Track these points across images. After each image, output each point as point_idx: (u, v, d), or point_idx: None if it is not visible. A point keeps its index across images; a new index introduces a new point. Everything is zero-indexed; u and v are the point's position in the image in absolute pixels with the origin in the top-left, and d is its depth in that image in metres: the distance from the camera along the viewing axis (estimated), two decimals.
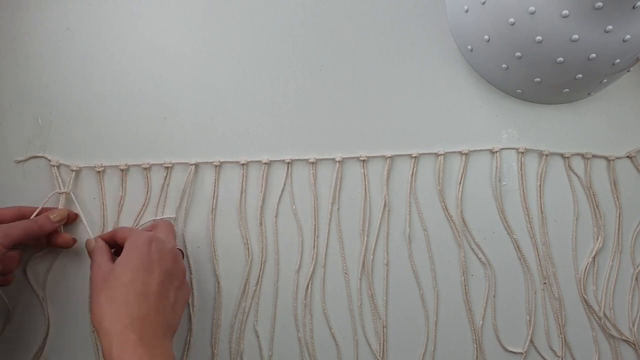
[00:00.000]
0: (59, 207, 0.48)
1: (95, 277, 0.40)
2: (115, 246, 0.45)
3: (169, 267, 0.41)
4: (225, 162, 0.51)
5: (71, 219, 0.48)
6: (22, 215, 0.45)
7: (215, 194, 0.51)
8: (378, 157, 0.52)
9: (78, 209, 0.49)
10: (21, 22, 0.51)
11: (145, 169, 0.50)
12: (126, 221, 0.50)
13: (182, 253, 0.47)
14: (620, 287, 0.53)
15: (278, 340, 0.51)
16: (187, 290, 0.44)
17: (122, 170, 0.50)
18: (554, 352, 0.52)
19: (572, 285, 0.53)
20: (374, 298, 0.51)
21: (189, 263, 0.50)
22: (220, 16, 0.53)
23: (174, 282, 0.42)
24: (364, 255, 0.51)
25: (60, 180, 0.49)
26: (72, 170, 0.49)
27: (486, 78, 0.54)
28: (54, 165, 0.49)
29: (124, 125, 0.51)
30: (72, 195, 0.49)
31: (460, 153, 0.53)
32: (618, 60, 0.46)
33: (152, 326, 0.37)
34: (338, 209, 0.52)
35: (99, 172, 0.50)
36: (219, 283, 0.51)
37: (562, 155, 0.54)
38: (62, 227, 0.48)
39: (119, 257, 0.41)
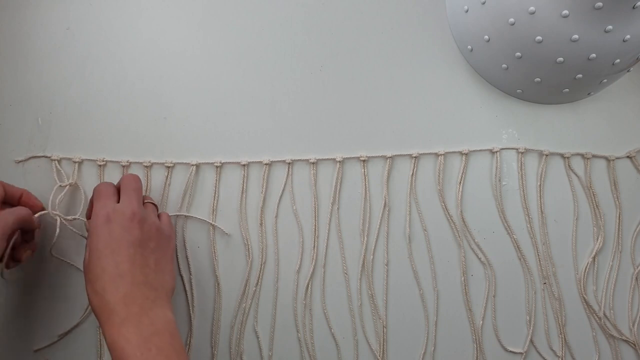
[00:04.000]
0: (61, 200, 0.48)
1: (84, 266, 0.41)
2: None
3: (135, 235, 0.40)
4: (227, 162, 0.51)
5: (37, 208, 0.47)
6: (7, 194, 0.44)
7: (216, 195, 0.51)
8: (378, 157, 0.52)
9: (83, 199, 0.49)
10: (21, 22, 0.51)
11: (146, 167, 0.50)
12: None
13: (155, 206, 0.47)
14: (620, 287, 0.53)
15: (278, 340, 0.51)
16: (167, 242, 0.44)
17: (123, 166, 0.50)
18: (554, 352, 0.52)
19: (572, 285, 0.53)
20: (374, 298, 0.51)
21: (188, 263, 0.50)
22: (220, 16, 0.53)
23: (147, 246, 0.41)
24: (364, 255, 0.51)
25: (63, 172, 0.49)
26: (75, 162, 0.49)
27: (486, 78, 0.54)
28: (54, 160, 0.49)
29: (124, 126, 0.51)
30: (79, 185, 0.49)
31: (460, 153, 0.53)
32: (618, 60, 0.46)
33: (137, 300, 0.38)
34: (338, 209, 0.52)
35: (100, 165, 0.50)
36: (218, 283, 0.51)
37: (562, 155, 0.54)
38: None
39: (86, 244, 0.41)
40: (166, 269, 0.43)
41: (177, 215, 0.50)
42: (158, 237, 0.43)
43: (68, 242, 0.49)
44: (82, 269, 0.43)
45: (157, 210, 0.47)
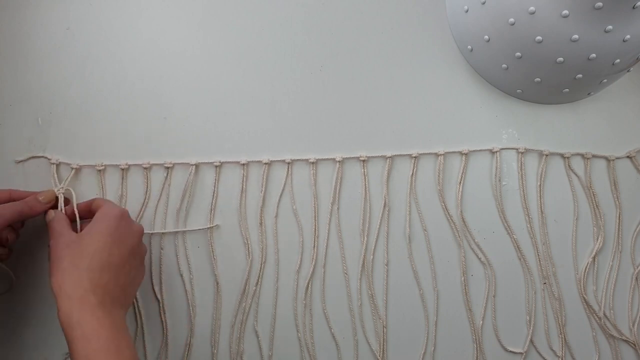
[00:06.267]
0: (59, 205, 0.48)
1: (56, 245, 0.41)
2: (91, 216, 0.45)
3: (134, 243, 0.43)
4: (226, 162, 0.51)
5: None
6: (11, 198, 0.46)
7: (215, 194, 0.51)
8: (378, 157, 0.52)
9: (74, 205, 0.49)
10: (21, 22, 0.51)
11: (145, 168, 0.50)
12: None
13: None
14: (620, 287, 0.53)
15: (278, 340, 0.51)
16: (143, 272, 0.46)
17: (122, 169, 0.50)
18: (554, 352, 0.52)
19: (572, 285, 0.53)
20: (374, 298, 0.51)
21: (188, 263, 0.50)
22: (220, 16, 0.53)
23: (135, 259, 0.44)
24: (364, 255, 0.51)
25: (56, 178, 0.49)
26: (73, 168, 0.49)
27: (486, 78, 0.54)
28: (53, 164, 0.49)
29: (124, 125, 0.51)
30: (72, 191, 0.49)
31: (460, 153, 0.53)
32: (618, 60, 0.46)
33: (111, 295, 0.39)
34: (338, 209, 0.52)
35: (99, 170, 0.50)
36: (218, 283, 0.51)
37: (562, 155, 0.54)
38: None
39: (89, 225, 0.42)
40: (134, 288, 0.44)
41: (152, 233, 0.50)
42: (142, 261, 0.46)
43: None
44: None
45: None
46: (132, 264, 0.43)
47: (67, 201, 0.48)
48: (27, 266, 0.49)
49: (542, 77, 0.49)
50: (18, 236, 0.47)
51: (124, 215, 0.43)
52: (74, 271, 0.39)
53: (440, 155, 0.52)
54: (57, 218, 0.44)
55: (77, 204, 0.46)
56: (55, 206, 0.48)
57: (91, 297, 0.38)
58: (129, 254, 0.42)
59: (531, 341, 0.52)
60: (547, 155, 0.53)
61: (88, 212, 0.45)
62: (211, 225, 0.51)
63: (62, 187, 0.48)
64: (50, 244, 0.42)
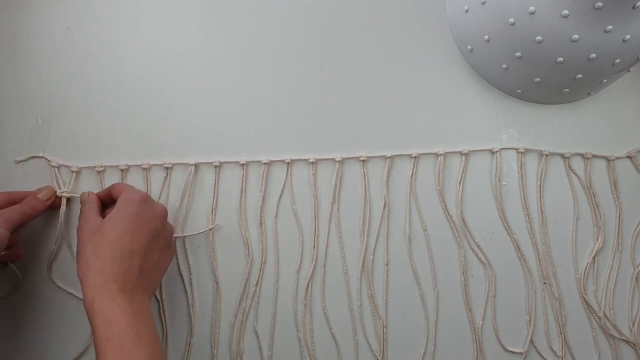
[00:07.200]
0: (61, 208, 0.48)
1: (82, 231, 0.41)
2: (113, 202, 0.45)
3: (157, 226, 0.43)
4: (225, 162, 0.51)
5: (56, 204, 0.48)
6: (12, 200, 0.46)
7: (215, 194, 0.51)
8: (378, 157, 0.52)
9: (72, 210, 0.49)
10: (21, 22, 0.51)
11: (145, 169, 0.50)
12: None
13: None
14: (620, 287, 0.53)
15: (278, 340, 0.51)
16: (172, 251, 0.46)
17: (122, 170, 0.50)
18: (554, 352, 0.52)
19: (572, 285, 0.53)
20: (374, 298, 0.51)
21: (188, 263, 0.50)
22: (220, 16, 0.53)
23: (160, 242, 0.43)
24: (364, 255, 0.51)
25: (60, 181, 0.49)
26: (73, 171, 0.49)
27: (486, 78, 0.54)
28: (54, 166, 0.49)
29: (124, 125, 0.51)
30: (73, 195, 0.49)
31: (460, 153, 0.53)
32: (618, 60, 0.46)
33: (133, 281, 0.40)
34: (338, 209, 0.52)
35: (99, 172, 0.50)
36: (218, 283, 0.51)
37: (562, 155, 0.54)
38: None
39: (111, 212, 0.42)
40: (161, 271, 0.45)
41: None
42: (169, 241, 0.45)
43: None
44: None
45: None
46: (156, 247, 0.43)
47: (59, 201, 0.48)
48: (28, 267, 0.49)
49: (542, 77, 0.49)
50: (18, 236, 0.47)
51: (146, 200, 0.43)
52: (96, 260, 0.39)
53: (440, 155, 0.52)
54: (89, 201, 0.44)
55: (98, 193, 0.46)
56: (54, 204, 0.48)
57: (112, 284, 0.38)
58: (152, 237, 0.42)
59: (531, 341, 0.52)
60: (547, 155, 0.53)
61: (110, 198, 0.46)
62: (212, 226, 0.50)
63: (66, 190, 0.49)
64: (78, 226, 0.42)
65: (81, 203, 0.46)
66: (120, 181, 0.50)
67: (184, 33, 0.52)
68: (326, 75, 0.53)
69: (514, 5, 0.45)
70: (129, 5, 0.52)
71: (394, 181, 0.52)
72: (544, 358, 0.52)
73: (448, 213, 0.52)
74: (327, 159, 0.52)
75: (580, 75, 0.48)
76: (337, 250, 0.52)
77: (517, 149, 0.53)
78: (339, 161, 0.52)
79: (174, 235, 0.49)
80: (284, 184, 0.51)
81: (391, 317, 0.52)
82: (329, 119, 0.52)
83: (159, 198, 0.50)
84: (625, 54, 0.46)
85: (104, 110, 0.51)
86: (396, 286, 0.52)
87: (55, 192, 0.48)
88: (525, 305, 0.52)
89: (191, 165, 0.51)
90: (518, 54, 0.48)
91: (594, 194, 0.53)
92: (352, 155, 0.52)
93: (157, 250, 0.43)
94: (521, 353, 0.52)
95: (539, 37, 0.45)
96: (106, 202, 0.46)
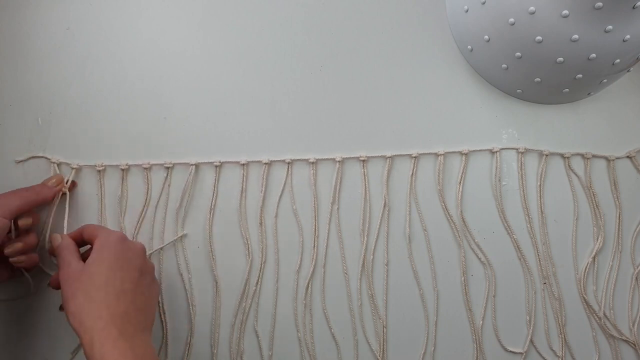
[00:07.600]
0: (65, 207, 0.48)
1: (66, 276, 0.41)
2: (82, 243, 0.45)
3: (141, 264, 0.43)
4: (226, 162, 0.51)
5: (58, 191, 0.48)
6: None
7: (215, 194, 0.51)
8: (378, 157, 0.52)
9: (71, 208, 0.49)
10: (21, 22, 0.51)
11: (145, 168, 0.50)
12: (127, 222, 0.50)
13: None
14: (620, 287, 0.53)
15: (278, 340, 0.51)
16: (157, 286, 0.46)
17: (122, 170, 0.50)
18: (554, 352, 0.52)
19: (572, 285, 0.53)
20: (374, 298, 0.51)
21: (187, 263, 0.50)
22: (220, 16, 0.53)
23: (146, 278, 0.43)
24: (364, 255, 0.51)
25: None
26: (73, 168, 0.49)
27: (486, 78, 0.54)
28: (54, 163, 0.49)
29: (124, 125, 0.51)
30: (68, 193, 0.49)
31: (460, 153, 0.53)
32: (618, 60, 0.46)
33: (132, 321, 0.39)
34: (338, 209, 0.52)
35: (99, 170, 0.50)
36: (218, 283, 0.51)
37: (562, 155, 0.54)
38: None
39: (92, 256, 0.41)
40: (154, 306, 0.44)
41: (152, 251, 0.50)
42: (153, 276, 0.45)
43: None
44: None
45: None
46: (144, 283, 0.43)
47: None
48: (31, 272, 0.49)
49: (542, 77, 0.49)
50: (36, 222, 0.46)
51: (124, 239, 0.43)
52: (91, 305, 0.38)
53: (440, 155, 0.52)
54: (65, 245, 0.43)
55: (68, 234, 0.45)
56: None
57: (112, 329, 0.37)
58: (138, 275, 0.42)
59: (531, 341, 0.52)
60: (547, 155, 0.53)
61: (81, 240, 0.45)
62: (180, 234, 0.50)
63: (67, 185, 0.48)
64: (59, 274, 0.41)
65: (53, 246, 0.44)
66: (121, 181, 0.50)
67: (184, 33, 0.52)
68: (326, 75, 0.53)
69: (514, 5, 0.45)
70: (129, 5, 0.52)
71: (394, 181, 0.52)
72: (544, 358, 0.52)
73: (448, 213, 0.52)
74: (327, 159, 0.52)
75: (580, 75, 0.48)
76: (337, 250, 0.52)
77: (517, 149, 0.53)
78: (339, 161, 0.52)
79: (163, 244, 0.50)
80: (284, 184, 0.51)
81: (391, 317, 0.52)
82: (329, 119, 0.52)
83: (159, 198, 0.50)
84: (625, 54, 0.46)
85: (104, 110, 0.51)
86: (396, 286, 0.52)
87: (64, 180, 0.48)
88: (525, 305, 0.52)
89: (191, 165, 0.51)
90: (518, 54, 0.48)
91: (594, 194, 0.53)
92: (352, 155, 0.52)
93: (145, 287, 0.43)
94: (521, 353, 0.52)
95: (539, 37, 0.45)
96: (78, 244, 0.45)
